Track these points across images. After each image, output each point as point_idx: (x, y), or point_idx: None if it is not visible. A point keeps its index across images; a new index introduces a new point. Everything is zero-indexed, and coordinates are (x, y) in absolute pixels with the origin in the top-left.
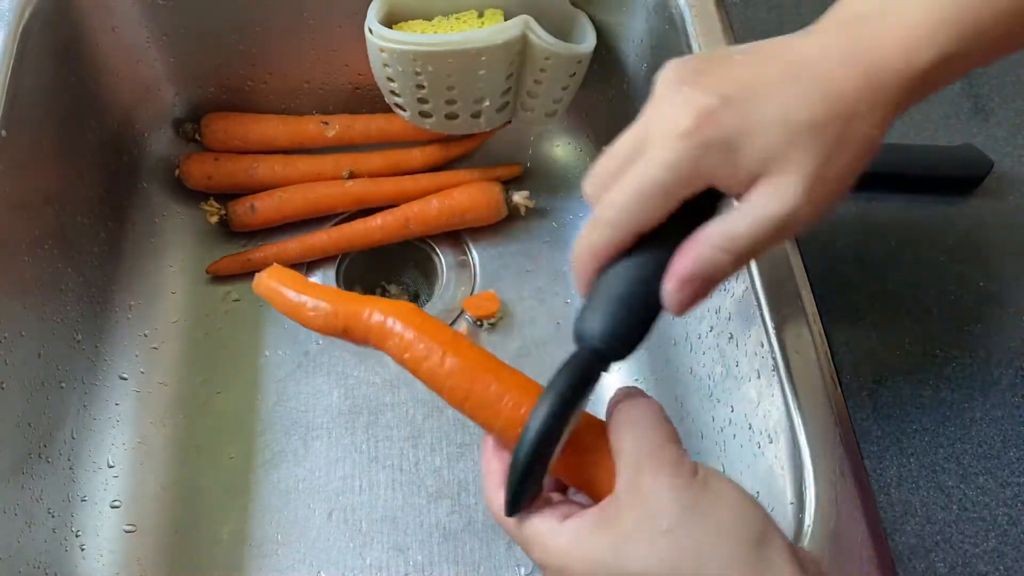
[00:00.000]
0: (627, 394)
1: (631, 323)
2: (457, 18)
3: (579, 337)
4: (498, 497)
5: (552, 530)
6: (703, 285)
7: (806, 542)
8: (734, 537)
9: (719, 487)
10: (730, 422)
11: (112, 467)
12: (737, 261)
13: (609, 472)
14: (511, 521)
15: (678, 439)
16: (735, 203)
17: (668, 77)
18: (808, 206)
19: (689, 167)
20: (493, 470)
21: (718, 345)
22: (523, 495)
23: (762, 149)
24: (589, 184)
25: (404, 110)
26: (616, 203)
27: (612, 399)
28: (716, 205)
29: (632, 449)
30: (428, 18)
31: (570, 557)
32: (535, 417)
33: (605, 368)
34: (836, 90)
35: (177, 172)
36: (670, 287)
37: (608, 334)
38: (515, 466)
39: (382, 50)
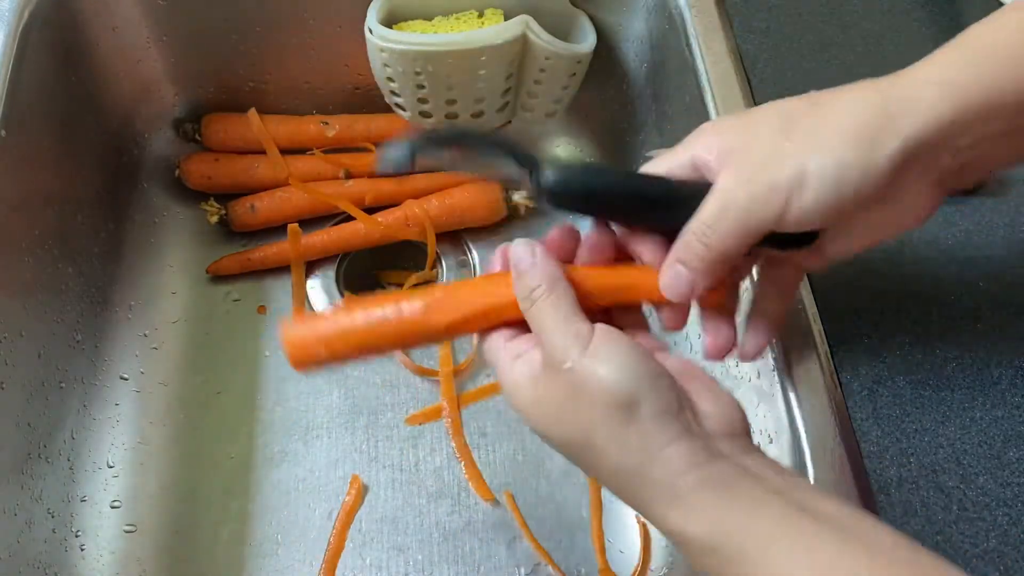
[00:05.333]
0: (520, 248)
1: (577, 192)
2: (457, 18)
3: (547, 169)
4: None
5: (507, 366)
6: (687, 275)
7: None
8: (604, 406)
9: (603, 356)
10: None
11: (112, 467)
12: (709, 252)
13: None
14: (493, 347)
15: (575, 302)
16: None
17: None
18: (837, 244)
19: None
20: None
21: None
22: (403, 159)
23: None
24: None
25: (404, 110)
26: (662, 160)
27: (517, 256)
28: None
29: (545, 323)
30: (428, 18)
31: (511, 395)
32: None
33: (532, 181)
34: (836, 136)
35: (177, 172)
36: (661, 275)
37: (561, 182)
38: (418, 138)
39: (382, 50)
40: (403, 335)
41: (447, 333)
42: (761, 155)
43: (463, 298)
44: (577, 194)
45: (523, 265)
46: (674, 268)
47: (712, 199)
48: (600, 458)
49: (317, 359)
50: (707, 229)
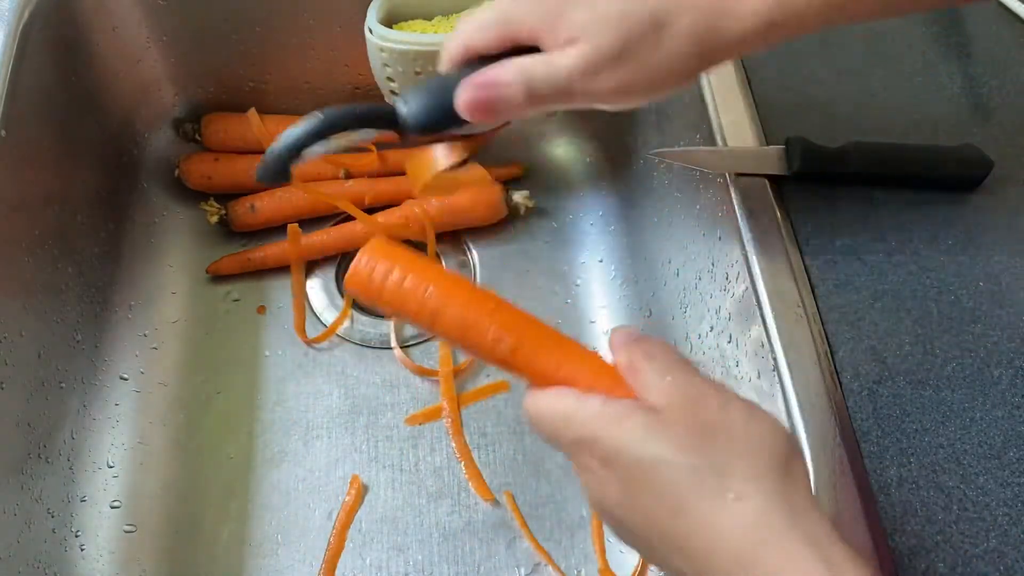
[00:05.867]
0: (642, 335)
1: (432, 105)
2: (457, 18)
3: (398, 102)
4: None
5: (598, 403)
6: (491, 97)
7: None
8: (765, 452)
9: (757, 411)
10: None
11: (112, 467)
12: (525, 95)
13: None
14: (550, 398)
15: None
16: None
17: None
18: (597, 84)
19: (521, 12)
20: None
21: (718, 345)
22: (271, 175)
23: (579, 22)
24: None
25: None
26: (465, 25)
27: (622, 334)
28: None
29: (669, 366)
30: (428, 18)
31: (604, 429)
32: (303, 123)
33: (390, 125)
34: (667, 5)
35: (177, 172)
36: (462, 88)
37: (411, 105)
38: (272, 150)
39: (382, 50)
40: (466, 339)
41: (505, 361)
42: (608, 55)
43: (548, 350)
44: (440, 116)
45: (632, 336)
46: (497, 90)
47: (559, 74)
48: (735, 493)
49: (375, 302)
50: (542, 86)
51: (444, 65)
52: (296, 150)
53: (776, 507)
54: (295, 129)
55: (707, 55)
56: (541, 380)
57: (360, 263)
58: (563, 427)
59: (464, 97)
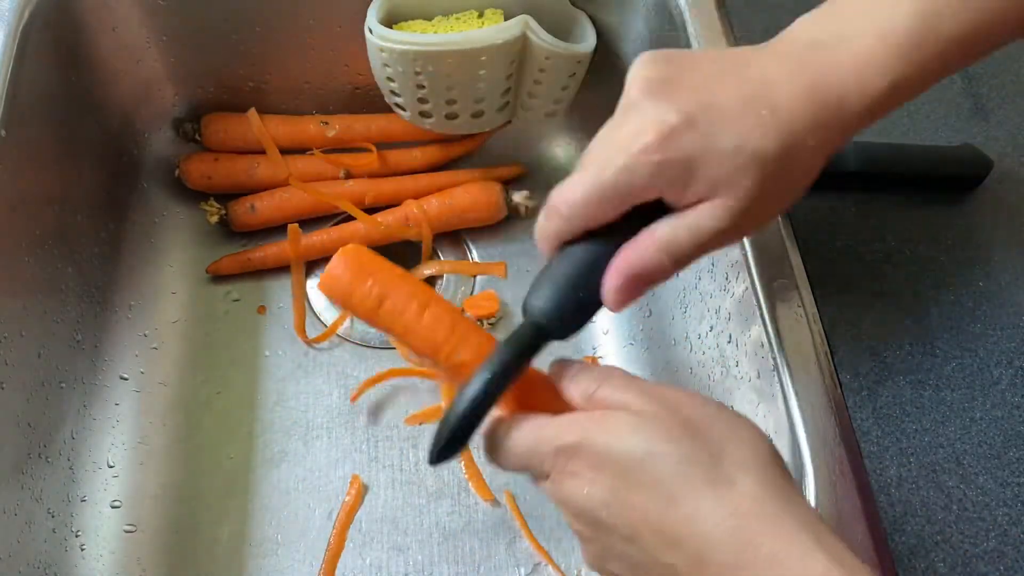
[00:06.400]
0: (583, 363)
1: (573, 307)
2: (457, 18)
3: (526, 311)
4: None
5: (570, 415)
6: (641, 283)
7: None
8: (751, 444)
9: (735, 413)
10: None
11: (112, 467)
12: (674, 266)
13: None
14: (523, 417)
15: None
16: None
17: (638, 80)
18: (743, 226)
19: (643, 180)
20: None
21: (718, 345)
22: (453, 451)
23: (714, 175)
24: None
25: (404, 110)
26: (569, 200)
27: (562, 367)
28: (661, 209)
29: (630, 381)
30: (428, 18)
31: (589, 432)
32: (475, 383)
33: (544, 343)
34: (788, 122)
35: (177, 172)
36: (611, 282)
37: (552, 314)
38: (450, 423)
39: (382, 50)
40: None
41: (454, 374)
42: (753, 203)
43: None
44: (582, 316)
45: (574, 367)
46: (646, 275)
47: (705, 236)
48: (727, 477)
49: (345, 305)
50: (688, 252)
51: (551, 246)
52: (478, 421)
53: (769, 493)
54: (468, 400)
55: (832, 151)
56: (512, 401)
57: (336, 268)
58: (543, 439)
59: (614, 293)
